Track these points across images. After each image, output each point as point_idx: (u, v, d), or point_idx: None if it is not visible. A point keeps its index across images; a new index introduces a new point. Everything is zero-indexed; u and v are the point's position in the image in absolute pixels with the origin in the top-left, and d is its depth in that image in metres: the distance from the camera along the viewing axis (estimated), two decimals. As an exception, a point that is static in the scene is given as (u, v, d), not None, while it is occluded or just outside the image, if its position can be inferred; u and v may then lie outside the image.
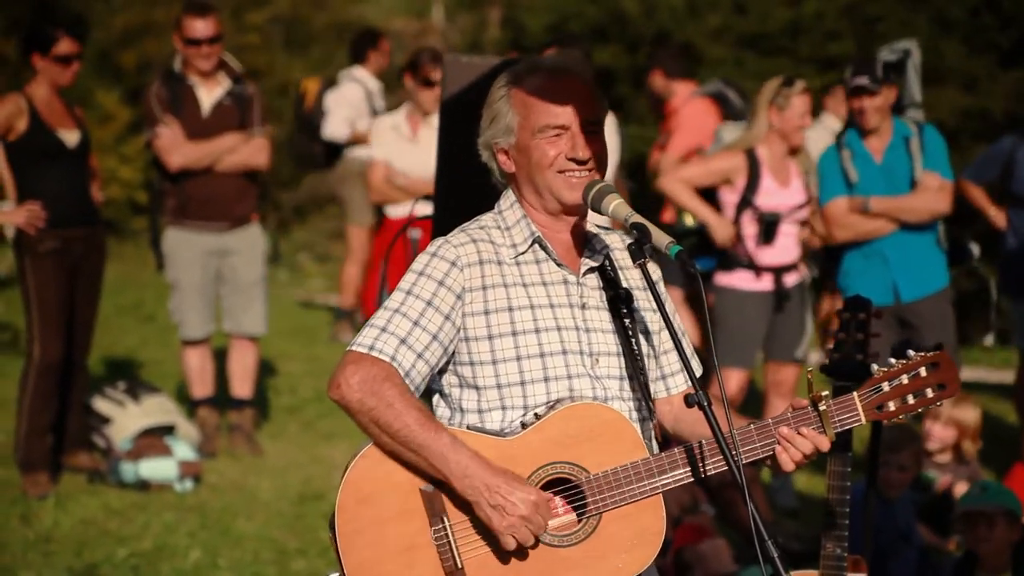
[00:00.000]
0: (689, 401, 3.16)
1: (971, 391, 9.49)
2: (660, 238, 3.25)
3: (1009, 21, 15.94)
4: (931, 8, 18.63)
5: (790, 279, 7.36)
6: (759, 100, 7.36)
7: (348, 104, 10.65)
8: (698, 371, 3.53)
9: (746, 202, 7.24)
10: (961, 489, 6.52)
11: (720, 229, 7.28)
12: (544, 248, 3.38)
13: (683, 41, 16.20)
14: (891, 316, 6.94)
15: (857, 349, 4.08)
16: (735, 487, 6.09)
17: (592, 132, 3.37)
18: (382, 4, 26.64)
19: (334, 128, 10.55)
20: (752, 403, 8.29)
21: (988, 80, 17.11)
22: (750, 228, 7.27)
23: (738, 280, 7.31)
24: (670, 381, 3.55)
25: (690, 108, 9.55)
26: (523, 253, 3.37)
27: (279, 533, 6.71)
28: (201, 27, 7.94)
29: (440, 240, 3.37)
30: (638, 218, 3.29)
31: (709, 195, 7.42)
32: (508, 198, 3.45)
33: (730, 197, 7.31)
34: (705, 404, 3.14)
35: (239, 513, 6.98)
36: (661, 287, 3.47)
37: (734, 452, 3.17)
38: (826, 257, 7.45)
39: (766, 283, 7.31)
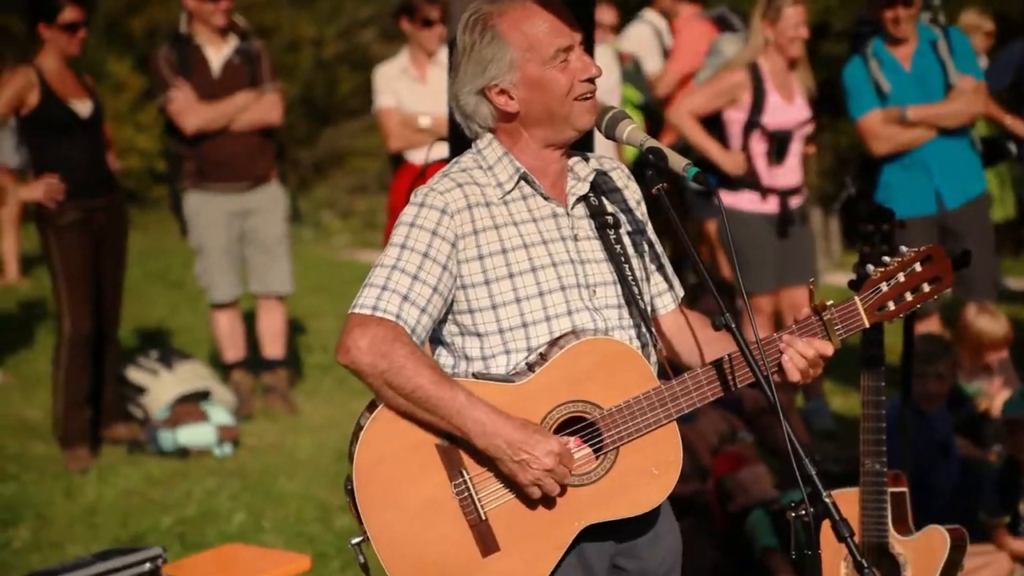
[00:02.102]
0: (716, 324, 3.15)
1: (1009, 300, 9.47)
2: (676, 161, 3.23)
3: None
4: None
5: (794, 201, 7.32)
6: (753, 14, 7.30)
7: (636, 42, 10.39)
8: (679, 293, 3.55)
9: (753, 122, 7.18)
10: (1000, 399, 6.53)
11: (730, 163, 7.21)
12: (531, 183, 3.34)
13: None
14: (933, 225, 6.91)
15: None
16: (770, 412, 6.12)
17: (589, 52, 3.34)
18: (388, -47, 26.47)
19: None
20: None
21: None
22: (759, 147, 7.21)
23: (744, 202, 7.24)
24: (658, 301, 3.52)
25: (689, 30, 9.50)
26: (510, 191, 3.32)
27: (321, 491, 6.77)
28: None
29: (424, 188, 3.31)
30: (653, 142, 3.27)
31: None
32: (484, 138, 3.37)
33: (736, 116, 7.22)
34: (733, 326, 3.14)
35: (280, 473, 7.05)
36: (644, 208, 3.48)
37: (763, 370, 3.16)
38: (862, 173, 7.35)
39: (772, 205, 7.26)
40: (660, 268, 3.52)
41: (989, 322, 6.61)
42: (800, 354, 3.27)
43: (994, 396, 6.68)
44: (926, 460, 5.69)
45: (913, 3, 6.85)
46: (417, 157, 7.99)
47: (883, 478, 4.19)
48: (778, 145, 7.17)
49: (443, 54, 8.06)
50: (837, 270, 11.36)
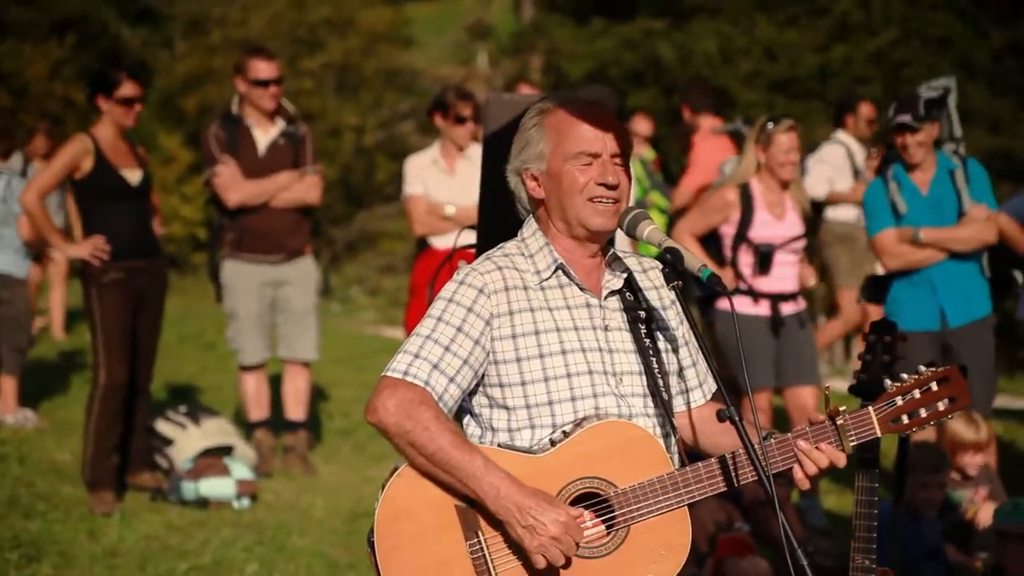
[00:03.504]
0: (721, 416, 3.16)
1: (1002, 418, 9.41)
2: (692, 262, 3.27)
3: (1031, 65, 15.94)
4: (956, 54, 18.63)
5: (787, 307, 7.35)
6: (747, 139, 7.40)
7: (829, 163, 10.55)
8: (711, 389, 3.56)
9: (740, 236, 7.27)
10: (985, 510, 6.46)
11: None
12: (567, 274, 3.39)
13: (717, 85, 16.27)
14: (935, 341, 6.90)
15: (884, 371, 4.07)
16: (768, 504, 6.08)
17: (620, 164, 3.38)
18: (429, 52, 26.87)
19: (812, 185, 10.27)
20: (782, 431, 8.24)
21: (1012, 122, 17.06)
22: (745, 257, 7.29)
23: (737, 304, 7.25)
24: (689, 396, 3.54)
25: (705, 145, 9.60)
26: (547, 279, 3.38)
27: (331, 549, 6.72)
28: (266, 68, 8.04)
29: (467, 268, 3.38)
30: (671, 243, 3.31)
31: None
32: (530, 226, 3.45)
33: (727, 230, 7.34)
34: (736, 418, 3.14)
35: (293, 530, 7.00)
36: (679, 306, 3.51)
37: (764, 463, 3.16)
38: (874, 286, 7.37)
39: (763, 308, 7.30)
40: (693, 364, 3.54)
41: (963, 426, 6.56)
42: (815, 463, 3.27)
43: (979, 504, 6.61)
44: (915, 562, 5.63)
45: (919, 131, 6.90)
46: (440, 243, 8.07)
47: (871, 574, 4.14)
48: (762, 258, 7.25)
49: (472, 149, 8.15)
50: (838, 376, 11.34)
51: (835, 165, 10.52)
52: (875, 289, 7.24)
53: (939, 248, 6.97)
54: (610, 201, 3.34)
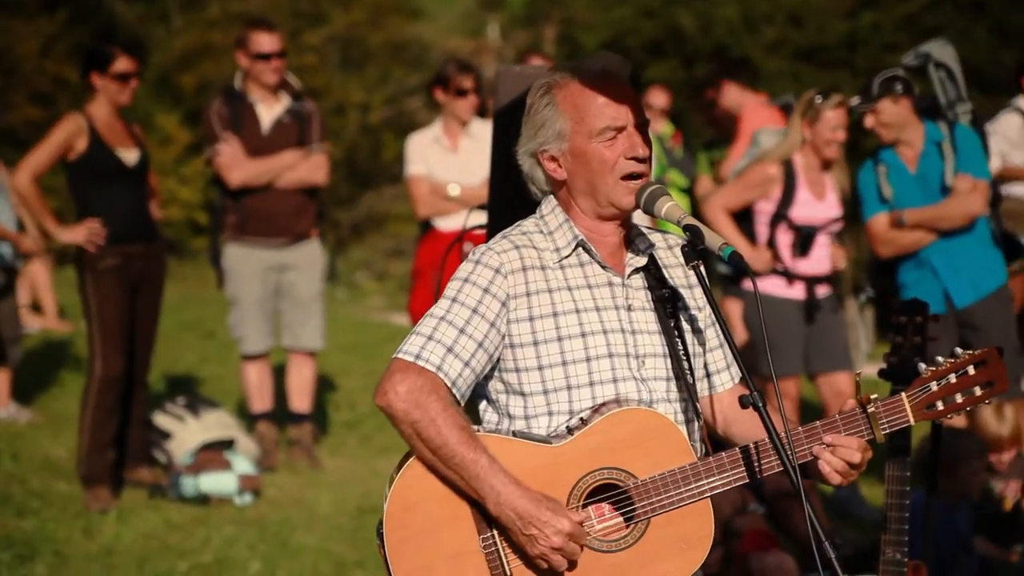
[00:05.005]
0: (744, 402, 3.14)
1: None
2: (713, 239, 3.24)
3: (1070, 30, 15.79)
4: (991, 18, 18.53)
5: (822, 290, 7.33)
6: (793, 112, 7.34)
7: (1002, 134, 9.55)
8: (737, 375, 3.53)
9: (780, 214, 7.22)
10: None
11: (757, 261, 7.20)
12: (588, 251, 3.37)
13: (740, 55, 16.18)
14: (950, 320, 6.85)
15: (915, 353, 4.07)
16: (792, 496, 6.06)
17: (644, 134, 3.36)
18: (438, 23, 26.82)
19: None
20: (811, 419, 8.23)
21: (1049, 89, 16.86)
22: (784, 237, 7.25)
23: (770, 286, 7.25)
24: (715, 379, 3.52)
25: (756, 116, 9.46)
26: (567, 256, 3.36)
27: (338, 546, 6.74)
28: (268, 41, 8.04)
29: (483, 247, 3.36)
30: (691, 220, 3.28)
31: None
32: (549, 203, 3.42)
33: (765, 207, 7.27)
34: (760, 405, 3.12)
35: (298, 526, 7.02)
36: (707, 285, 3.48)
37: (789, 452, 3.14)
38: (878, 272, 7.34)
39: (798, 291, 7.28)
40: (720, 346, 3.51)
41: (994, 421, 6.53)
42: (842, 459, 3.23)
43: (1016, 496, 6.59)
44: (948, 553, 5.62)
45: (874, 111, 6.86)
46: (444, 225, 8.05)
47: (903, 569, 4.15)
48: (803, 239, 7.21)
49: (476, 125, 8.14)
50: (868, 361, 11.31)
51: (1009, 136, 9.86)
52: (882, 279, 7.20)
53: (927, 228, 6.92)
54: (640, 175, 3.32)
